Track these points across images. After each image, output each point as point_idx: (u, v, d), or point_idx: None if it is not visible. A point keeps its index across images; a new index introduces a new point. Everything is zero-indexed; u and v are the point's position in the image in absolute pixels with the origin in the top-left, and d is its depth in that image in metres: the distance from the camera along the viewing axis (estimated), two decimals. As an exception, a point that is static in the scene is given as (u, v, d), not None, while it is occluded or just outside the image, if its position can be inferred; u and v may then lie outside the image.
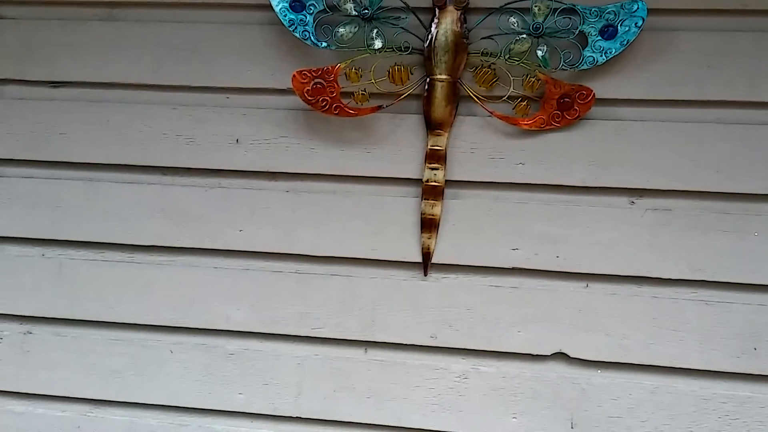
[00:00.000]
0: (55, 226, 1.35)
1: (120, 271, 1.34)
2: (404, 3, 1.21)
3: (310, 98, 1.22)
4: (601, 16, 1.16)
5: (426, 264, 1.26)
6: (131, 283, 1.34)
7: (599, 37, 1.17)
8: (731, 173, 1.18)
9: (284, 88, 1.26)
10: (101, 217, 1.34)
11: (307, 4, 1.22)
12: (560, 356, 1.23)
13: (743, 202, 1.18)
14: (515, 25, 1.18)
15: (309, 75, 1.21)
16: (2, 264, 1.36)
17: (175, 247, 1.33)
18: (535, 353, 1.23)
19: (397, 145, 1.26)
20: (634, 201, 1.21)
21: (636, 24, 1.14)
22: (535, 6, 1.16)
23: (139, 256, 1.34)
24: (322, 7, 1.22)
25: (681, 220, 1.19)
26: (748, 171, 1.17)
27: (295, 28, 1.22)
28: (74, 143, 1.34)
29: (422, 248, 1.26)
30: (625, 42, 1.15)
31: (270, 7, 1.22)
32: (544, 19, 1.17)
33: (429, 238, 1.25)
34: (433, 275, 1.27)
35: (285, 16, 1.22)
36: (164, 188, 1.33)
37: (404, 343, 1.27)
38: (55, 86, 1.35)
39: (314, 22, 1.22)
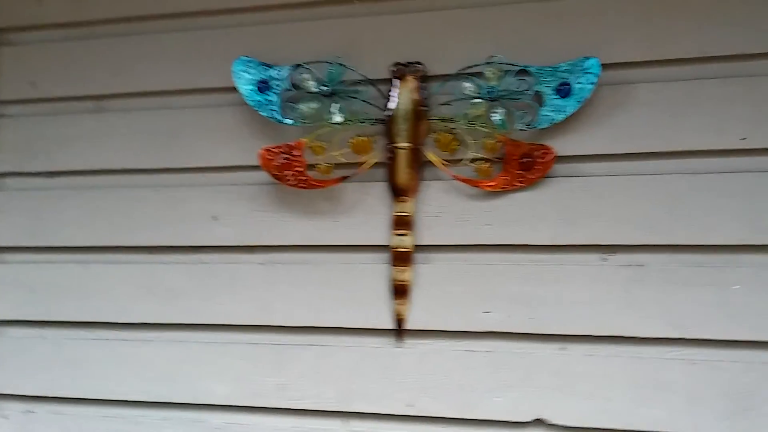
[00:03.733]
0: (53, 307, 1.42)
1: (112, 348, 1.39)
2: (363, 76, 1.24)
3: (277, 173, 1.25)
4: (554, 75, 1.16)
5: (399, 331, 1.25)
6: (123, 361, 1.38)
7: (555, 96, 1.16)
8: (705, 224, 1.13)
9: (256, 164, 1.29)
10: (94, 297, 1.40)
11: (272, 84, 1.27)
12: (540, 423, 1.18)
13: (721, 254, 1.13)
14: (470, 90, 1.19)
15: (275, 151, 1.25)
16: (5, 346, 1.44)
17: (162, 324, 1.37)
18: (513, 420, 1.19)
19: (365, 213, 1.28)
20: (607, 257, 1.17)
21: (589, 81, 1.13)
22: (488, 70, 1.17)
23: (129, 334, 1.39)
24: (287, 86, 1.27)
25: (656, 275, 1.15)
26: (723, 221, 1.12)
27: (262, 108, 1.27)
28: (69, 228, 1.42)
29: (395, 315, 1.25)
30: (581, 99, 1.15)
31: (239, 89, 1.28)
32: (498, 82, 1.18)
33: (401, 305, 1.24)
34: (408, 342, 1.26)
35: (251, 98, 1.27)
36: (150, 267, 1.38)
37: (382, 413, 1.25)
38: (51, 176, 1.44)
39: (280, 100, 1.27)
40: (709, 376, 1.12)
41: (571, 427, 1.17)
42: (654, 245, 1.15)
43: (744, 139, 1.11)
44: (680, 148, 1.14)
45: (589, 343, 1.18)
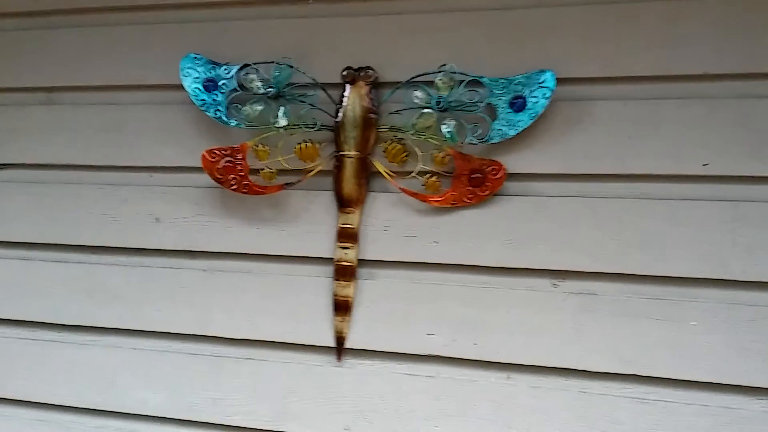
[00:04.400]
0: (-8, 304, 1.37)
1: (50, 350, 1.34)
2: (313, 79, 1.18)
3: (219, 177, 1.20)
4: (508, 87, 1.09)
5: (339, 349, 1.19)
6: (59, 363, 1.34)
7: (508, 109, 1.09)
8: (660, 254, 1.05)
9: (200, 166, 1.24)
10: (31, 295, 1.35)
11: (220, 84, 1.22)
12: (477, 457, 1.11)
13: (676, 286, 1.05)
14: (419, 99, 1.12)
15: (218, 153, 1.20)
16: (-60, 341, 1.39)
17: (98, 327, 1.32)
18: (450, 452, 1.12)
19: (310, 223, 1.22)
20: (557, 283, 1.10)
21: (544, 95, 1.07)
22: (438, 79, 1.11)
23: (67, 336, 1.34)
24: (233, 86, 1.21)
25: (608, 305, 1.08)
26: (679, 251, 1.05)
27: (208, 108, 1.22)
28: (13, 223, 1.37)
29: (335, 332, 1.19)
30: (534, 114, 1.08)
31: (188, 87, 1.22)
32: (449, 93, 1.11)
33: (342, 321, 1.18)
34: (348, 361, 1.20)
35: (197, 96, 1.22)
36: (91, 267, 1.33)
37: (316, 434, 1.19)
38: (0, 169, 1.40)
39: (227, 101, 1.21)
40: (660, 417, 1.05)
41: (509, 464, 1.09)
42: (606, 273, 1.08)
43: (706, 165, 1.03)
44: (638, 172, 1.07)
45: (535, 374, 1.11)
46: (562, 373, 1.10)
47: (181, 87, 1.25)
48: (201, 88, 1.22)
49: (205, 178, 1.23)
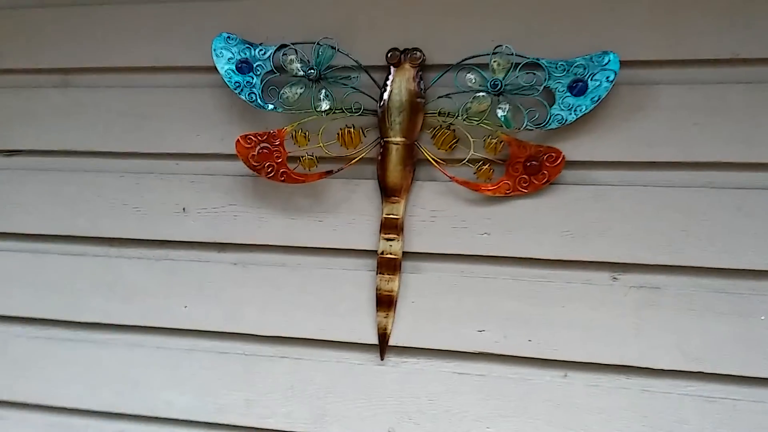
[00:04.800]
0: (1, 300, 1.28)
1: (65, 350, 1.26)
2: (356, 62, 1.11)
3: (255, 164, 1.13)
4: (568, 70, 1.04)
5: (383, 347, 1.13)
6: (75, 364, 1.25)
7: (567, 94, 1.04)
8: (728, 246, 1.01)
9: (233, 153, 1.17)
10: (46, 291, 1.27)
11: (255, 65, 1.14)
12: (534, 459, 1.05)
13: (744, 279, 1.01)
14: (472, 82, 1.06)
15: (254, 139, 1.13)
16: (-55, 340, 1.30)
17: (119, 325, 1.24)
18: (505, 455, 1.06)
19: (350, 214, 1.15)
20: (617, 277, 1.05)
21: (608, 78, 1.01)
22: (494, 61, 1.05)
23: (83, 334, 1.26)
24: (269, 68, 1.14)
25: (671, 299, 1.03)
26: (748, 243, 1.00)
27: (242, 90, 1.14)
28: (24, 214, 1.28)
29: (378, 328, 1.13)
30: (596, 98, 1.02)
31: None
32: (505, 76, 1.05)
33: (386, 317, 1.12)
34: (391, 359, 1.13)
35: (231, 78, 1.15)
36: (111, 261, 1.25)
37: (358, 437, 1.12)
38: (9, 155, 1.31)
39: (261, 83, 1.14)
40: (728, 416, 1.00)
41: (568, 466, 1.04)
42: (670, 266, 1.03)
43: (778, 151, 0.99)
44: (704, 159, 1.02)
45: (593, 372, 1.06)
46: (622, 370, 1.05)
47: (209, 69, 1.17)
48: (234, 69, 1.15)
49: (236, 166, 1.16)
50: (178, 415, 1.20)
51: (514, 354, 1.08)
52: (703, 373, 1.01)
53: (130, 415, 1.23)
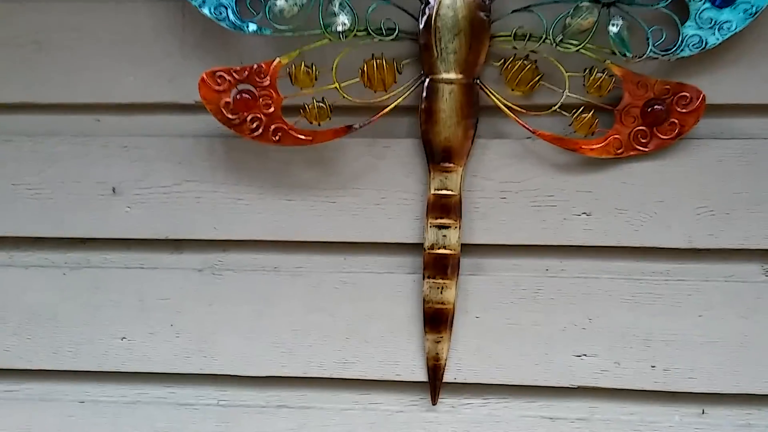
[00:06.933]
0: None
1: None
2: (385, -43, 0.73)
3: (231, 117, 0.73)
4: (711, -30, 0.71)
5: (435, 384, 0.80)
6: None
7: (708, 5, 0.72)
8: None
9: (190, 102, 0.77)
10: None
11: (224, -36, 0.73)
12: None
13: None
14: (572, -14, 0.72)
15: (228, 78, 0.73)
16: None
17: (16, 370, 0.82)
18: None
19: (379, 190, 0.79)
20: (773, 270, 0.76)
21: (771, -20, 0.70)
22: (604, -45, 0.70)
23: None
24: (248, -31, 0.74)
25: None
26: None
27: (204, 1, 0.73)
28: None
29: (428, 359, 0.79)
30: (753, 11, 0.71)
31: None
32: (620, -23, 0.71)
33: (438, 342, 0.78)
34: (446, 401, 0.81)
35: (185, -17, 0.73)
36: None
37: None
38: None
39: (237, -8, 0.74)
40: None
41: None
42: None
43: None
44: None
45: (742, 406, 0.78)
46: (782, 405, 0.76)
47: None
48: (191, -32, 0.73)
49: (198, 121, 0.78)
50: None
51: (630, 387, 0.78)
52: None
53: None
